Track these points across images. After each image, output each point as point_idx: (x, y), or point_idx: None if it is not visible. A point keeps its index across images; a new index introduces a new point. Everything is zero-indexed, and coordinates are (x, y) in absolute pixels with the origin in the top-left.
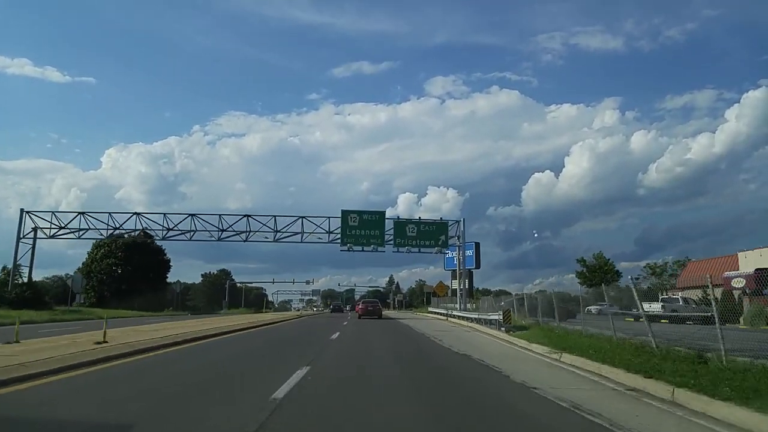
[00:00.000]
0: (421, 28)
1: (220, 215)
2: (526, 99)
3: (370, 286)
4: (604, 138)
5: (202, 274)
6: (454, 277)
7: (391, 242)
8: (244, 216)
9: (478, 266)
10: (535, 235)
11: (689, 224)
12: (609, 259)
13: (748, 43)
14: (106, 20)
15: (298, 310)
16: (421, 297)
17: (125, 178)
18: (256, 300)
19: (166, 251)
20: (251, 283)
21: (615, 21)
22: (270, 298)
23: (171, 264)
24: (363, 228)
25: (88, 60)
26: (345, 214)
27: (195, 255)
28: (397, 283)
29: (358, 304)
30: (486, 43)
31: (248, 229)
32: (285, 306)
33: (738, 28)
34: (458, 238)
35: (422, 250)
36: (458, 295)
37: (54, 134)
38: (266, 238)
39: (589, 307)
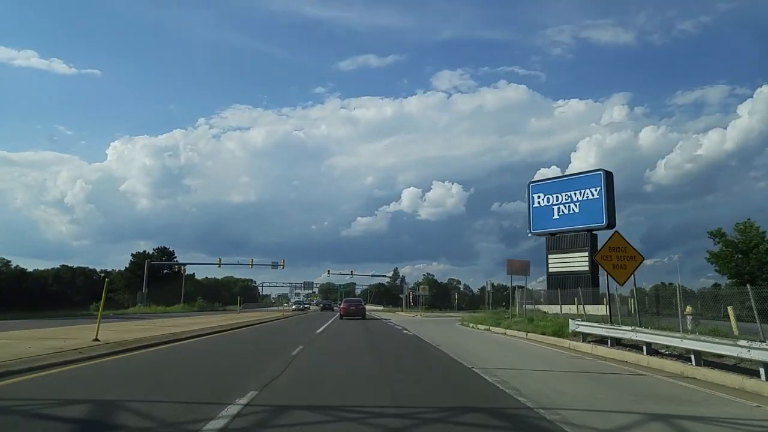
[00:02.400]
0: (429, 22)
1: None
2: (534, 94)
3: (373, 274)
4: (612, 134)
5: (132, 254)
6: (555, 247)
7: None
8: None
9: (611, 223)
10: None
11: (696, 222)
12: (765, 232)
13: (763, 37)
14: (112, 12)
15: (284, 307)
16: (429, 293)
17: (130, 170)
18: (242, 294)
19: None
20: (188, 264)
21: (627, 14)
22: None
23: None
24: None
25: (94, 52)
26: None
27: (197, 248)
28: (403, 276)
29: (341, 304)
30: (494, 37)
31: None
32: (271, 301)
33: (753, 21)
34: None
35: None
36: None
37: (60, 126)
38: None
39: None
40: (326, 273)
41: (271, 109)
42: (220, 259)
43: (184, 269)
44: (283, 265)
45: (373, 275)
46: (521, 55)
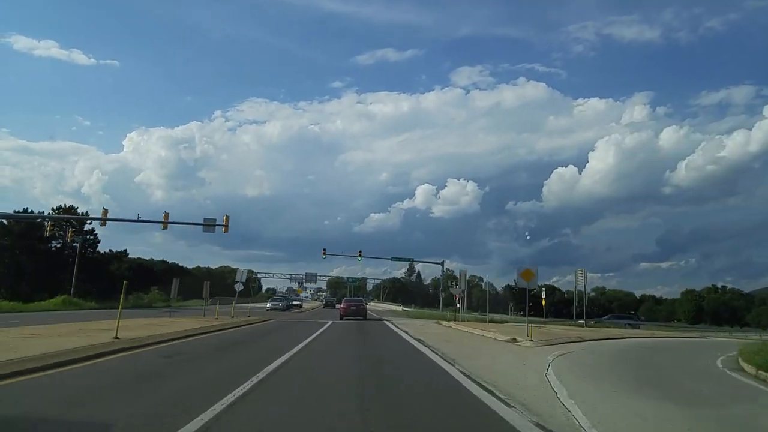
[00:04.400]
0: (449, 18)
1: None
2: (554, 92)
3: (392, 257)
4: (632, 134)
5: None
6: None
7: None
8: None
9: None
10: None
11: (715, 225)
12: None
13: None
14: (131, 4)
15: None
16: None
17: (146, 161)
18: (229, 287)
19: None
20: (74, 217)
21: (653, 10)
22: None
23: None
24: None
25: (113, 43)
26: None
27: (209, 241)
28: (418, 271)
29: (341, 303)
30: (515, 33)
31: None
32: (267, 295)
33: None
34: None
35: None
36: None
37: (78, 116)
38: None
39: None
40: (339, 268)
41: (287, 103)
42: (104, 210)
43: (72, 235)
44: (226, 227)
45: (392, 258)
46: (542, 52)
